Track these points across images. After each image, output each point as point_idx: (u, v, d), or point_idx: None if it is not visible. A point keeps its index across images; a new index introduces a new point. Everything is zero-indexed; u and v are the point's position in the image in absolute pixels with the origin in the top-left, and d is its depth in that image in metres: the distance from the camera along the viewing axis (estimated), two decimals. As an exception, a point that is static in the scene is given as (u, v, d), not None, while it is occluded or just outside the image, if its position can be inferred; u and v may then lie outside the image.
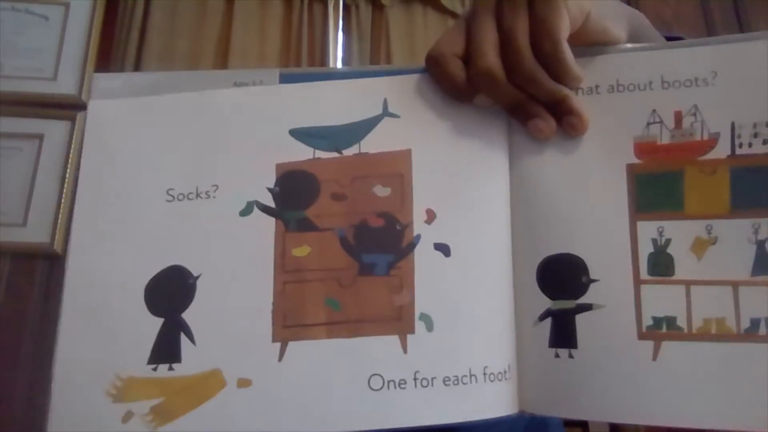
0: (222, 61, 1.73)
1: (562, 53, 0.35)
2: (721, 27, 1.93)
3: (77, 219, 0.38)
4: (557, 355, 0.36)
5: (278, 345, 0.35)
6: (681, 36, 0.41)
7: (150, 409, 0.34)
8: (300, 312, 0.35)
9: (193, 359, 0.35)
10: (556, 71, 0.35)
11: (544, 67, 0.35)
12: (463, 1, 1.83)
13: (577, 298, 0.36)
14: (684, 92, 0.36)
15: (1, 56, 1.65)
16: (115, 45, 1.72)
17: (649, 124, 0.37)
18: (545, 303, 0.36)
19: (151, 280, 0.36)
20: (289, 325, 0.35)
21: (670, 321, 0.34)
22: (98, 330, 0.35)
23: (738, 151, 0.35)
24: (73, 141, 1.62)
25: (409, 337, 0.35)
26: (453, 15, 1.83)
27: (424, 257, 0.36)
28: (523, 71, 0.35)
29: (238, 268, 0.36)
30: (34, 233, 1.56)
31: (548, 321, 0.36)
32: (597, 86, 0.38)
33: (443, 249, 0.36)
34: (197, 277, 0.36)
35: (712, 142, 0.35)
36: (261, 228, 0.36)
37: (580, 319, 0.36)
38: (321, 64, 1.74)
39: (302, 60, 1.74)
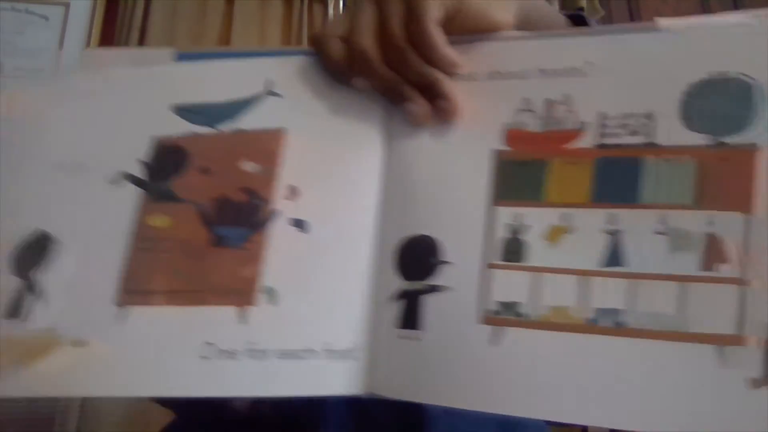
0: None
1: (430, 36, 0.35)
2: None
3: None
4: (403, 337, 0.34)
5: (119, 309, 0.35)
6: (582, 14, 0.41)
7: None
8: (146, 279, 0.35)
9: (36, 319, 0.34)
10: (427, 54, 0.35)
11: (416, 50, 0.36)
12: None
13: (426, 278, 0.35)
14: (558, 82, 0.35)
15: (1, 56, 1.65)
16: (114, 45, 1.70)
17: (521, 111, 0.36)
18: (399, 283, 0.35)
19: (19, 243, 0.37)
20: (133, 290, 0.35)
21: (515, 307, 0.33)
22: None
23: (605, 141, 0.34)
24: None
25: (250, 309, 0.34)
26: None
27: (279, 232, 0.36)
28: (394, 52, 0.36)
29: (96, 234, 0.37)
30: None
31: (399, 302, 0.35)
32: (475, 73, 0.37)
33: (300, 225, 0.36)
34: (58, 243, 0.36)
35: (580, 132, 0.34)
36: (125, 197, 0.37)
37: (428, 301, 0.34)
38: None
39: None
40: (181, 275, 0.35)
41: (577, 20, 0.44)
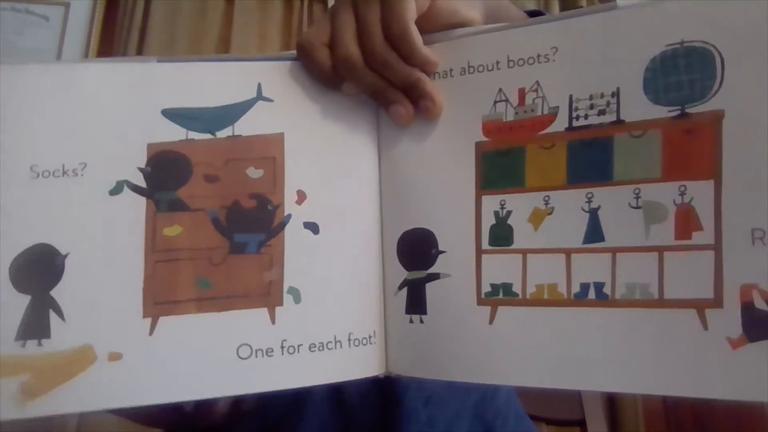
0: None
1: (409, 35, 0.34)
2: None
3: None
4: (411, 321, 0.35)
5: (149, 320, 0.34)
6: (542, 11, 0.40)
7: (19, 386, 0.32)
8: (170, 290, 0.35)
9: (63, 335, 0.33)
10: (407, 54, 0.35)
11: (397, 52, 0.35)
12: None
13: (427, 268, 0.35)
14: (527, 70, 0.34)
15: (1, 56, 1.53)
16: (115, 45, 1.61)
17: (495, 103, 0.35)
18: (403, 274, 0.36)
19: (16, 258, 0.33)
20: (160, 302, 0.34)
21: (506, 288, 0.33)
22: None
23: (575, 124, 0.33)
24: None
25: (277, 309, 0.35)
26: None
27: (293, 235, 0.36)
28: (376, 56, 0.35)
29: (108, 247, 0.34)
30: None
31: (405, 290, 0.36)
32: (451, 69, 0.36)
33: (312, 227, 0.36)
34: (65, 256, 0.34)
35: (552, 117, 0.34)
36: (131, 208, 0.35)
37: (430, 288, 0.35)
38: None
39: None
40: (205, 283, 0.35)
41: (536, 16, 0.41)
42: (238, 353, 0.35)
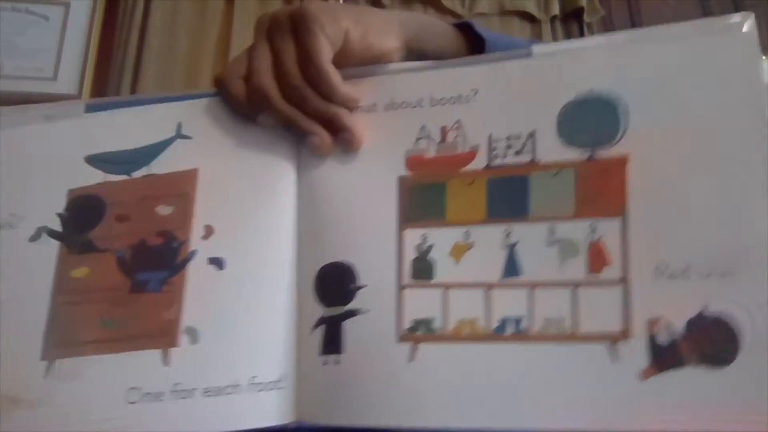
0: (222, 60, 1.58)
1: (325, 75, 0.34)
2: None
3: None
4: (325, 362, 0.33)
5: (47, 363, 0.32)
6: (469, 22, 0.41)
7: None
8: (73, 331, 0.33)
9: None
10: (326, 93, 0.34)
11: (315, 90, 0.35)
12: (464, 1, 1.72)
13: (346, 304, 0.33)
14: (449, 109, 0.35)
15: (1, 56, 1.53)
16: (115, 45, 1.58)
17: (418, 139, 0.35)
18: (319, 311, 0.34)
19: None
20: (60, 344, 0.33)
21: (428, 323, 0.32)
22: None
23: (494, 162, 0.34)
24: None
25: (172, 350, 0.32)
26: (453, 14, 1.68)
27: (197, 272, 0.34)
28: (291, 90, 0.34)
29: (20, 292, 0.34)
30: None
31: (321, 329, 0.34)
32: (375, 104, 0.36)
33: (217, 263, 0.34)
34: None
35: (472, 154, 0.34)
36: (46, 252, 0.35)
37: (347, 325, 0.33)
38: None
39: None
40: (108, 324, 0.33)
41: (465, 27, 0.43)
42: (127, 397, 0.31)
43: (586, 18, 1.71)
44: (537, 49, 0.34)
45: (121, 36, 1.58)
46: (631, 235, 0.30)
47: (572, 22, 1.73)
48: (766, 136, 0.30)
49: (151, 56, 1.56)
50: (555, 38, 1.70)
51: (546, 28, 1.70)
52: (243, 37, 1.60)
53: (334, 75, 0.34)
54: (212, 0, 1.64)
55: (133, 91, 1.50)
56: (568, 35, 1.72)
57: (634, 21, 1.80)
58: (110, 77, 1.53)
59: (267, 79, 0.34)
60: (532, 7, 1.71)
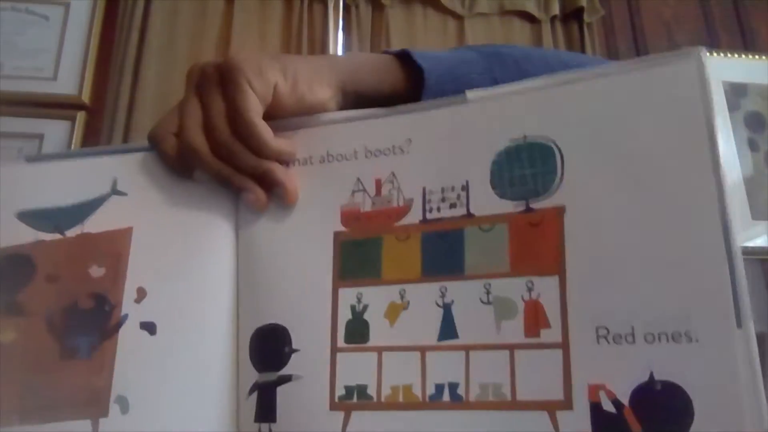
0: None
1: (255, 130, 0.33)
2: (721, 27, 1.78)
3: None
4: (260, 430, 0.32)
5: None
6: (408, 52, 0.38)
7: None
8: None
9: None
10: (256, 149, 0.33)
11: (246, 146, 0.33)
12: (463, 1, 1.69)
13: (279, 369, 0.32)
14: (384, 160, 0.33)
15: (1, 56, 1.51)
16: (115, 45, 1.56)
17: (354, 192, 0.33)
18: (254, 376, 0.32)
19: None
20: None
21: (361, 390, 0.30)
22: None
23: (428, 216, 0.31)
24: (73, 141, 1.48)
25: (102, 420, 0.31)
26: (453, 15, 1.67)
27: (128, 337, 0.32)
28: (221, 146, 0.33)
29: None
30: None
31: (255, 394, 0.32)
32: (311, 157, 0.35)
33: (149, 327, 0.33)
34: None
35: (407, 208, 0.32)
36: None
37: (281, 392, 0.31)
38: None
39: (302, 60, 1.60)
40: (33, 392, 0.32)
41: (403, 56, 0.40)
42: None
43: (586, 18, 1.68)
44: (471, 94, 0.32)
45: (121, 36, 1.57)
46: (570, 295, 0.28)
47: (572, 22, 1.71)
48: (718, 175, 0.27)
49: (151, 56, 1.54)
50: (555, 38, 1.67)
51: (546, 28, 1.68)
52: (243, 37, 1.59)
53: (264, 130, 0.33)
54: (212, 0, 1.62)
55: (133, 91, 1.49)
56: (568, 35, 1.70)
57: (634, 21, 1.76)
58: (110, 77, 1.53)
59: (196, 136, 0.33)
60: (532, 7, 1.69)
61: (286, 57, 0.35)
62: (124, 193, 0.36)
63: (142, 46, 1.56)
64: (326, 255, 0.33)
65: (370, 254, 0.32)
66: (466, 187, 0.31)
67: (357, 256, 0.32)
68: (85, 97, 1.53)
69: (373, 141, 0.34)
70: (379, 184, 0.33)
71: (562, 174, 0.29)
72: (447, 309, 0.30)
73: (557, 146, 0.30)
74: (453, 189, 0.31)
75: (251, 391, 0.32)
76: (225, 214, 0.35)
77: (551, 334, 0.28)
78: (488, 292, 0.29)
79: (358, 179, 0.34)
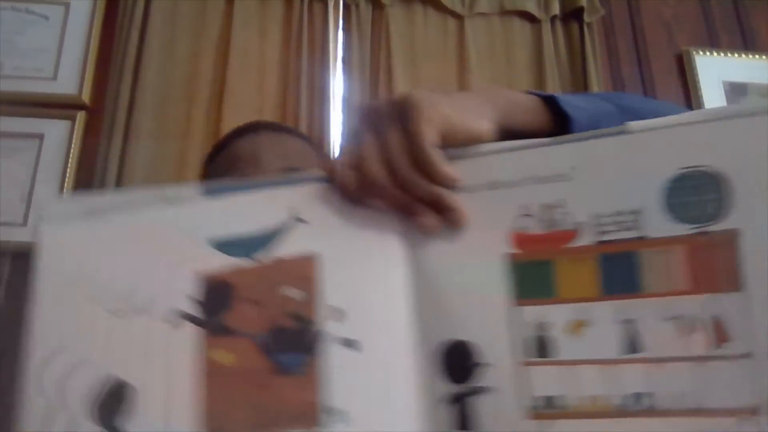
0: (222, 61, 1.56)
1: (431, 159, 0.36)
2: (721, 27, 1.79)
3: (32, 335, 0.37)
4: None
5: None
6: (555, 97, 0.42)
7: None
8: (225, 416, 0.34)
9: None
10: (430, 174, 0.36)
11: (419, 171, 0.36)
12: (463, 1, 1.68)
13: (466, 381, 0.35)
14: (550, 186, 0.36)
15: (1, 56, 1.53)
16: (115, 45, 1.57)
17: (521, 216, 0.36)
18: (449, 387, 0.35)
19: (98, 391, 0.35)
20: (216, 428, 0.34)
21: (554, 401, 0.33)
22: None
23: (602, 239, 0.34)
24: (73, 141, 1.49)
25: (318, 431, 0.34)
26: (453, 14, 1.68)
27: (332, 353, 0.35)
28: (400, 177, 0.36)
29: (168, 378, 0.35)
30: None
31: (454, 405, 0.35)
32: (475, 184, 0.37)
33: (350, 344, 0.35)
34: (135, 389, 0.35)
35: (577, 231, 0.35)
36: (184, 336, 0.36)
37: (476, 402, 0.34)
38: (321, 64, 1.59)
39: (302, 59, 1.57)
40: (254, 407, 0.35)
41: (547, 98, 0.44)
42: None
43: (586, 18, 1.69)
44: (634, 125, 0.35)
45: (121, 36, 1.57)
46: (753, 309, 0.31)
47: (572, 22, 1.72)
48: None
49: (151, 56, 1.54)
50: (555, 38, 1.69)
51: (546, 27, 1.69)
52: (243, 36, 1.59)
53: (436, 156, 0.36)
54: (212, 0, 1.62)
55: (133, 91, 1.50)
56: (568, 35, 1.71)
57: (634, 21, 1.78)
58: (110, 77, 1.53)
59: (378, 169, 0.36)
60: (532, 7, 1.70)
61: (454, 93, 0.38)
62: (305, 220, 0.38)
63: (142, 46, 1.56)
64: (499, 275, 0.35)
65: (544, 275, 0.35)
66: (638, 212, 0.34)
67: (531, 277, 0.35)
68: (85, 97, 1.53)
69: (538, 169, 0.36)
70: (547, 209, 0.36)
71: (734, 200, 0.32)
72: (629, 325, 0.33)
73: (727, 174, 0.32)
74: (625, 213, 0.34)
75: (445, 402, 0.34)
76: (397, 237, 0.38)
77: (734, 346, 0.31)
78: (669, 310, 0.32)
79: (524, 205, 0.36)
